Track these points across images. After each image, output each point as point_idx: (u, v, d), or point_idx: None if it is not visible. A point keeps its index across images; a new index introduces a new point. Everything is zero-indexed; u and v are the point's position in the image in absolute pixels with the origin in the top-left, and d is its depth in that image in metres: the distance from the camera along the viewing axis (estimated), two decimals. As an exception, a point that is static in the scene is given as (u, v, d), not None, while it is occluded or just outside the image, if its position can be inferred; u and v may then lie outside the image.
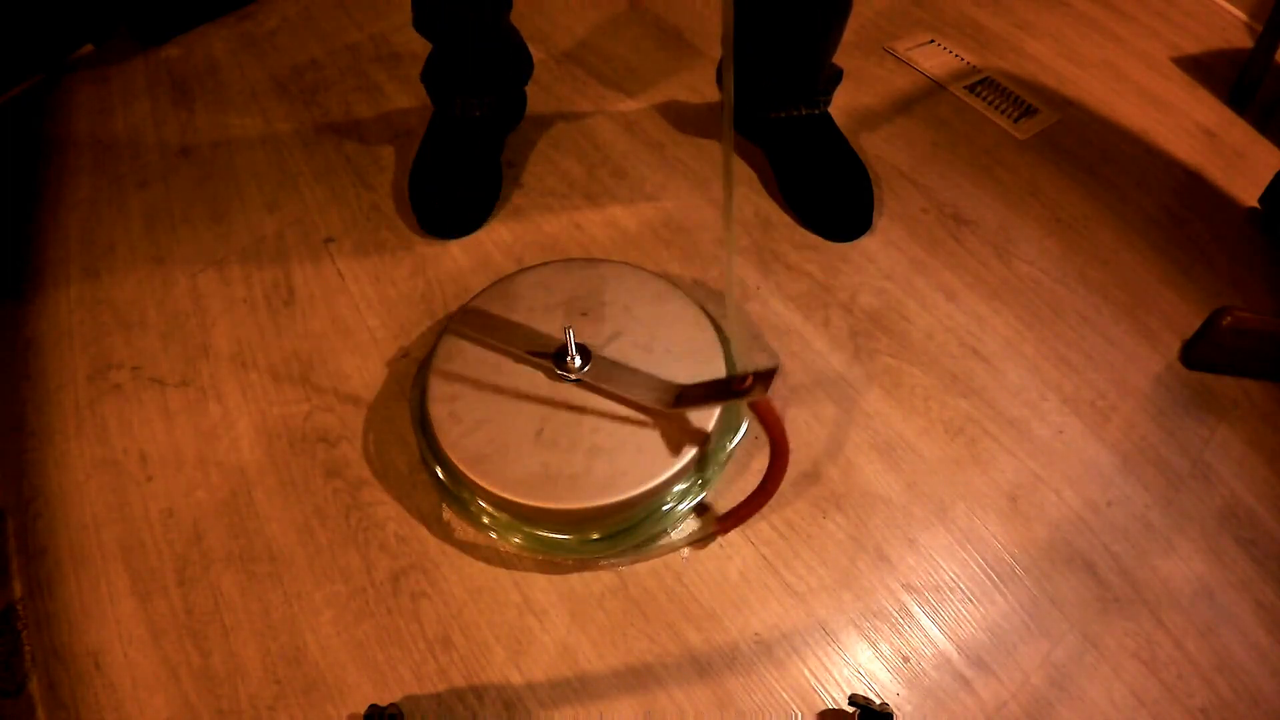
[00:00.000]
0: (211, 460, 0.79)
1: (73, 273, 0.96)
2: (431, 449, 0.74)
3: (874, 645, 0.69)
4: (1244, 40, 1.23)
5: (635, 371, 0.74)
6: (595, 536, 0.71)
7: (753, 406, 0.64)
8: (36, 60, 1.21)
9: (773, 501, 0.75)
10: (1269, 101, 1.13)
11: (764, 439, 0.79)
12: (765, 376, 0.62)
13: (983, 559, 0.73)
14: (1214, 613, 0.70)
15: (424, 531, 0.74)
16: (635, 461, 0.70)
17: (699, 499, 0.74)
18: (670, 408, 0.71)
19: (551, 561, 0.72)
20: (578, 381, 0.74)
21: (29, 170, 1.08)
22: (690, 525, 0.74)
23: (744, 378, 0.63)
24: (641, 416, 0.72)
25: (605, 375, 0.74)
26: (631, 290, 0.81)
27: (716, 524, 0.72)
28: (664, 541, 0.73)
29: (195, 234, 0.98)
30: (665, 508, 0.72)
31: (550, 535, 0.71)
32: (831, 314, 0.89)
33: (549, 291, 0.81)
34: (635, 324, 0.78)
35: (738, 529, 0.74)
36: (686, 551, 0.73)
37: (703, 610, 0.70)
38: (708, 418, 0.72)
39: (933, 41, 1.22)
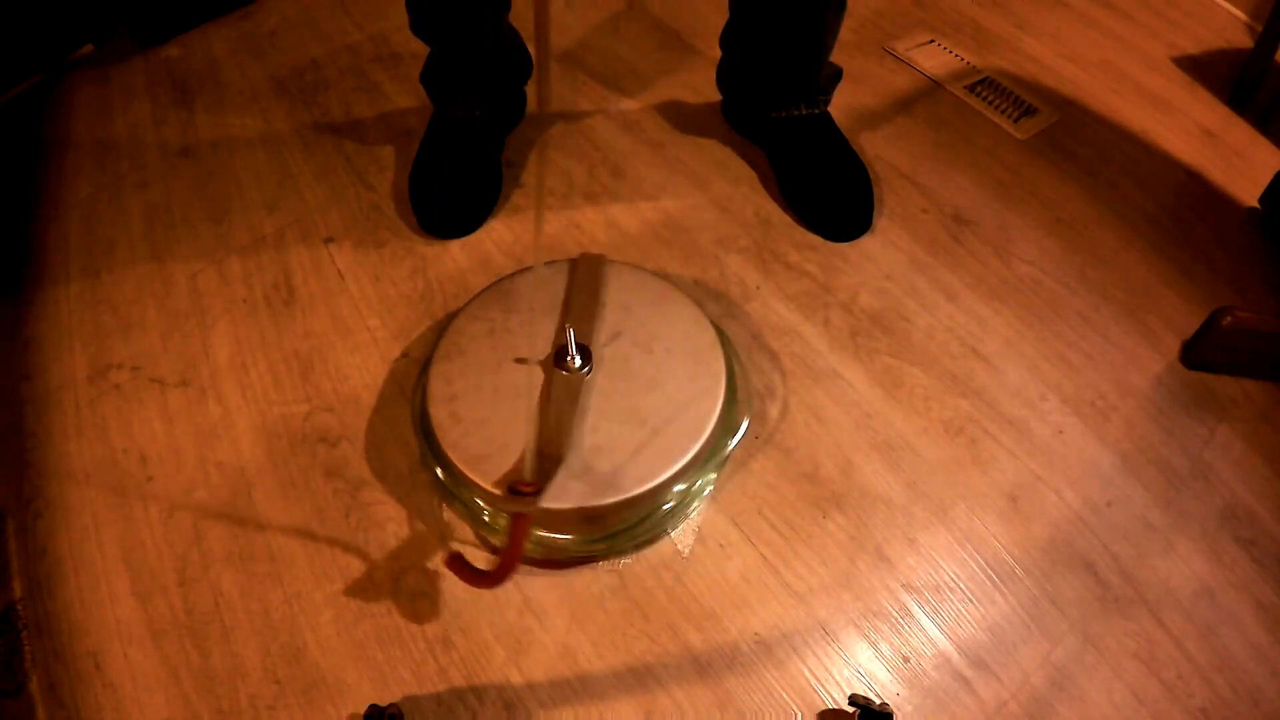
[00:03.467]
0: (211, 460, 0.79)
1: (73, 272, 0.96)
2: (431, 449, 0.74)
3: (874, 645, 0.69)
4: (1244, 40, 1.23)
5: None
6: (595, 536, 0.71)
7: (512, 516, 0.64)
8: (36, 60, 1.21)
9: (773, 501, 0.75)
10: (1269, 101, 1.13)
11: (764, 438, 0.79)
12: (535, 495, 0.64)
13: (983, 559, 0.73)
14: (1214, 613, 0.70)
15: (424, 531, 0.74)
16: (635, 461, 0.70)
17: (700, 498, 0.74)
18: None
19: (552, 561, 0.72)
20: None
21: (29, 170, 1.08)
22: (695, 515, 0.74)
23: (530, 484, 0.64)
24: (641, 416, 0.72)
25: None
26: (631, 290, 0.81)
27: (449, 559, 0.64)
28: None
29: (195, 234, 0.98)
30: (666, 507, 0.72)
31: (550, 535, 0.71)
32: (831, 314, 0.89)
33: (549, 291, 0.81)
34: (635, 324, 0.78)
35: (737, 530, 0.74)
36: (687, 550, 0.73)
37: (703, 610, 0.70)
38: (708, 418, 0.72)
39: (933, 41, 1.22)
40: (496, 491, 0.68)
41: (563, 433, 0.70)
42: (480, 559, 0.72)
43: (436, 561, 0.73)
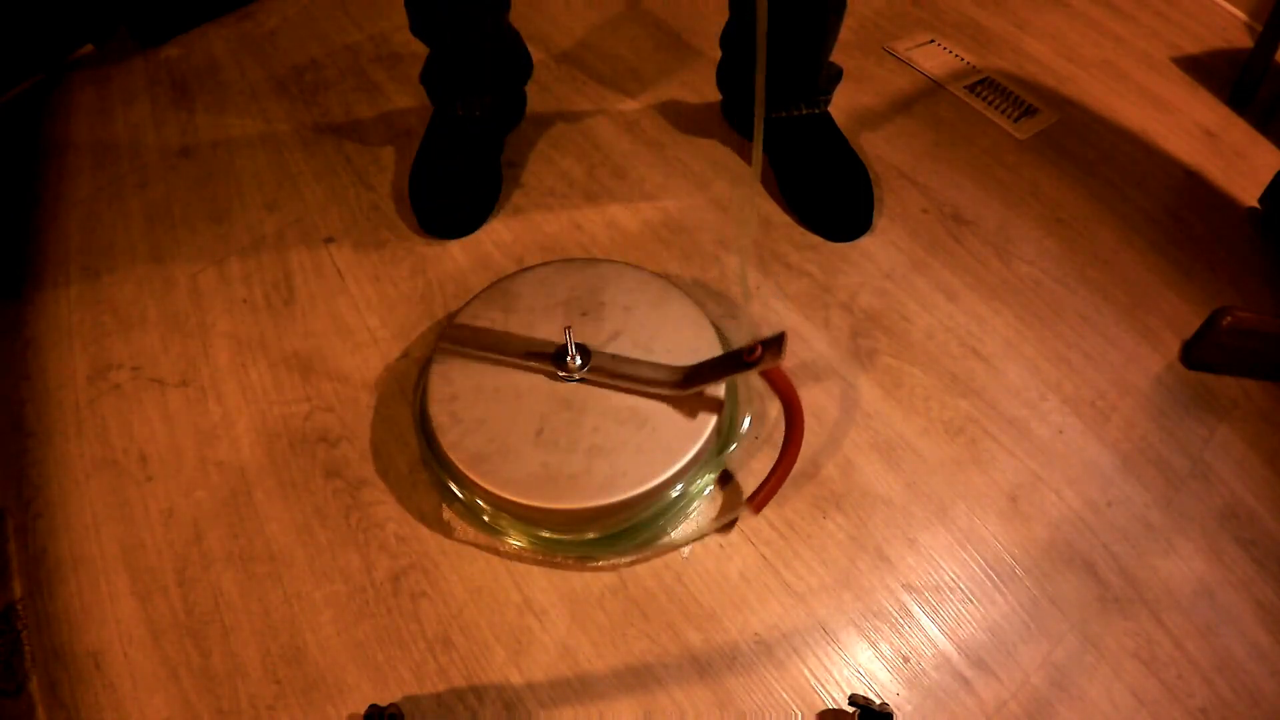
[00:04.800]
0: (211, 460, 0.79)
1: (73, 273, 0.96)
2: (431, 449, 0.74)
3: (874, 645, 0.69)
4: (1244, 40, 1.23)
5: (639, 361, 0.74)
6: (594, 536, 0.71)
7: (765, 375, 0.64)
8: (36, 60, 1.21)
9: (773, 501, 0.75)
10: (1269, 101, 1.13)
11: (764, 438, 0.79)
12: (774, 343, 0.62)
13: (983, 559, 0.73)
14: (1214, 613, 0.70)
15: (424, 531, 0.74)
16: (635, 461, 0.70)
17: (700, 498, 0.74)
18: (682, 389, 0.70)
19: (551, 561, 0.72)
20: (579, 381, 0.74)
21: (29, 170, 1.08)
22: (699, 519, 0.74)
23: (753, 348, 0.63)
24: (641, 416, 0.72)
25: (611, 366, 0.74)
26: (631, 290, 0.81)
27: (747, 504, 0.72)
28: (682, 534, 0.73)
29: (195, 234, 0.98)
30: (674, 497, 0.72)
31: (550, 535, 0.71)
32: (831, 314, 0.89)
33: (549, 291, 0.81)
34: (635, 324, 0.78)
35: (737, 530, 0.74)
36: (688, 550, 0.73)
37: (703, 610, 0.70)
38: (708, 418, 0.72)
39: (933, 41, 1.22)
40: (473, 475, 0.68)
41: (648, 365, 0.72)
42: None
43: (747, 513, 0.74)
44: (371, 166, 1.05)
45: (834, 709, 0.66)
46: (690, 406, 0.73)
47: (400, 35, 1.22)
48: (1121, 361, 0.86)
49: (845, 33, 0.93)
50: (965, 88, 1.14)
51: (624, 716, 0.65)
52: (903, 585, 0.72)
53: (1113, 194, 1.01)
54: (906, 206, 0.99)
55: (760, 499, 0.71)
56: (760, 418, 0.81)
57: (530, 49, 1.03)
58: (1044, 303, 0.90)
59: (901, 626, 0.70)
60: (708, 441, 0.72)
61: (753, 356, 0.62)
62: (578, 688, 0.66)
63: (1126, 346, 0.87)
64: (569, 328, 0.73)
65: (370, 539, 0.74)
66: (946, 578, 0.72)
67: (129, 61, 1.23)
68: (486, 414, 0.73)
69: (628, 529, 0.71)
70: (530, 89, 1.07)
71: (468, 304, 0.81)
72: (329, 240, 0.97)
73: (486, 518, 0.72)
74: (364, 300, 0.91)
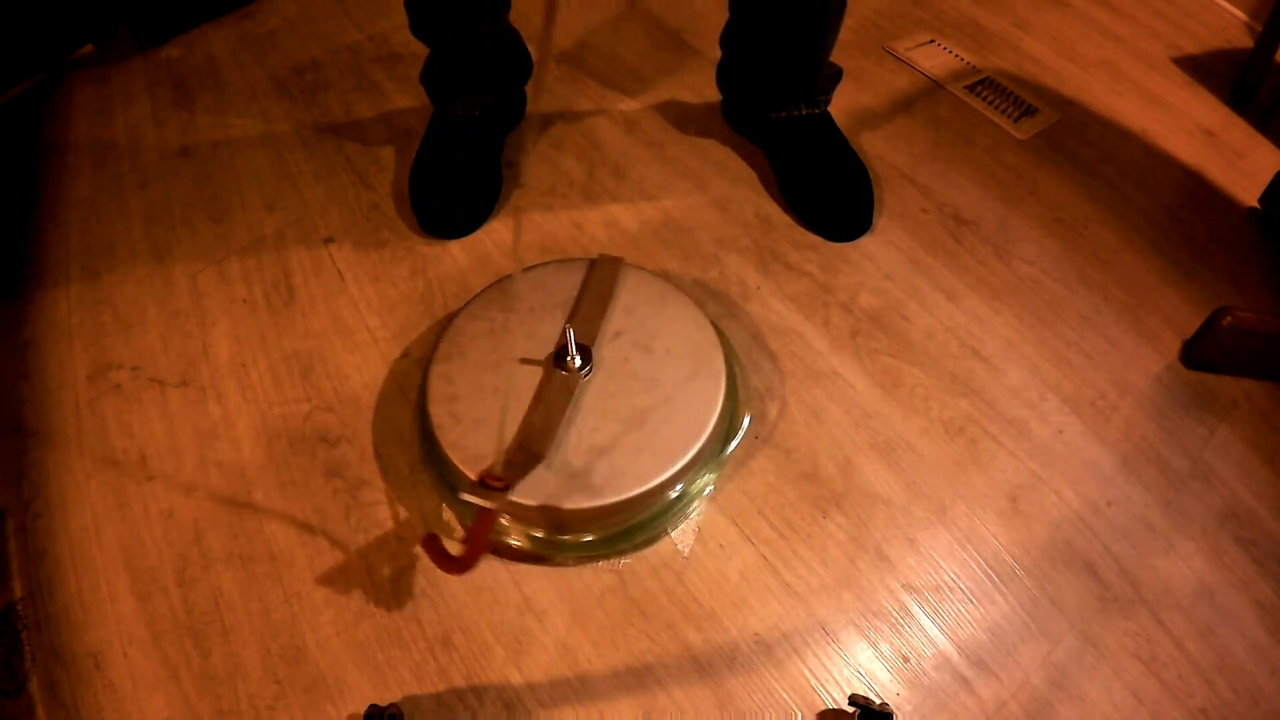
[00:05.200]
0: (211, 460, 0.79)
1: (73, 273, 0.96)
2: (431, 449, 0.74)
3: (874, 645, 0.69)
4: (1244, 40, 1.23)
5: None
6: (592, 537, 0.71)
7: (477, 510, 0.63)
8: (36, 60, 1.21)
9: (773, 501, 0.76)
10: (1269, 101, 1.13)
11: (764, 438, 0.79)
12: (504, 490, 0.64)
13: (983, 559, 0.73)
14: (1214, 613, 0.70)
15: (424, 531, 0.74)
16: (635, 461, 0.70)
17: (701, 498, 0.74)
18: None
19: (551, 561, 0.72)
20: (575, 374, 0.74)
21: (29, 170, 1.08)
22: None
23: (500, 478, 0.64)
24: (641, 416, 0.72)
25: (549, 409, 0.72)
26: (631, 290, 0.81)
27: (422, 541, 0.64)
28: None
29: (195, 234, 0.98)
30: (674, 497, 0.72)
31: (550, 535, 0.71)
32: (831, 314, 0.89)
33: (549, 291, 0.81)
34: (635, 324, 0.78)
35: (737, 529, 0.74)
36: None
37: (703, 610, 0.70)
38: (707, 418, 0.72)
39: (933, 41, 1.22)
40: (471, 475, 0.68)
41: (548, 431, 0.69)
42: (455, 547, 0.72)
43: (417, 548, 0.73)
44: (371, 166, 1.05)
45: (834, 709, 0.66)
46: (690, 406, 0.73)
47: (400, 35, 1.22)
48: (1121, 361, 0.86)
49: (845, 33, 0.93)
50: (965, 88, 1.14)
51: (624, 716, 0.65)
52: (903, 585, 0.72)
53: (1113, 194, 1.01)
54: (906, 206, 0.99)
55: (429, 548, 0.64)
56: (760, 417, 0.81)
57: (530, 49, 1.03)
58: (1044, 303, 0.90)
59: (901, 626, 0.70)
60: (708, 441, 0.72)
61: (492, 481, 0.64)
62: (578, 688, 0.66)
63: (1126, 346, 0.87)
64: (569, 328, 0.73)
65: (370, 539, 0.74)
66: (946, 578, 0.72)
67: (129, 61, 1.23)
68: (486, 414, 0.73)
69: (628, 529, 0.71)
70: (530, 89, 1.07)
71: (468, 304, 0.81)
72: (329, 240, 0.97)
73: (487, 518, 0.72)
74: (364, 300, 0.91)
